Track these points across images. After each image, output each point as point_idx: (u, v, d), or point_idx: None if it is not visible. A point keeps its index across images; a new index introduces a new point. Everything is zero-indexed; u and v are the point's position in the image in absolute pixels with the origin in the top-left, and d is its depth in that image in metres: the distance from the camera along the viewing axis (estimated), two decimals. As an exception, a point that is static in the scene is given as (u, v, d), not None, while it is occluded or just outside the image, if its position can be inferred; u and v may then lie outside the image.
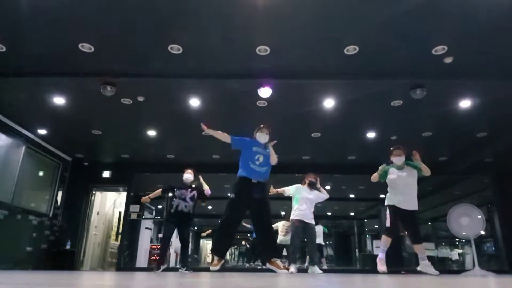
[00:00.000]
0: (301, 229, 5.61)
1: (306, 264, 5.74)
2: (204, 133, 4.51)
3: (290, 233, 7.78)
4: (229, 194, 4.22)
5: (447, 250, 12.73)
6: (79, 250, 8.43)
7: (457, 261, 12.00)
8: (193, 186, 5.83)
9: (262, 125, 4.44)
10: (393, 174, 4.76)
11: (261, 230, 4.17)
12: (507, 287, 1.91)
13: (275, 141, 4.36)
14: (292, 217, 5.75)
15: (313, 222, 5.67)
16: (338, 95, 5.56)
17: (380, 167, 4.80)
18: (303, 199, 5.69)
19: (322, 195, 5.83)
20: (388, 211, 4.76)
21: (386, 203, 4.82)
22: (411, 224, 4.69)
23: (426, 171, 4.62)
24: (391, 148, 4.81)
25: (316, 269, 5.46)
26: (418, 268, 4.65)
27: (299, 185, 5.85)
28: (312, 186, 5.79)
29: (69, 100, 5.74)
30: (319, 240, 8.99)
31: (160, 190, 5.84)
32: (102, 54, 4.64)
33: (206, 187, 5.82)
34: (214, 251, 4.21)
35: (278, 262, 4.11)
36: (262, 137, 4.37)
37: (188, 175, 5.76)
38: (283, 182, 6.05)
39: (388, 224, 4.72)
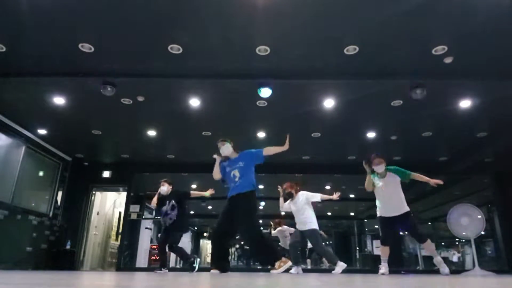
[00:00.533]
0: (298, 236, 5.80)
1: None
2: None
3: (287, 238, 7.93)
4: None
5: (448, 251, 12.74)
6: (79, 250, 8.44)
7: (457, 263, 12.01)
8: (170, 195, 5.82)
9: (219, 140, 4.37)
10: (376, 184, 4.82)
11: (249, 246, 4.10)
12: (507, 287, 1.91)
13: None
14: None
15: (307, 227, 5.66)
16: (338, 95, 5.56)
17: (368, 177, 4.84)
18: (293, 212, 5.85)
19: (311, 198, 5.77)
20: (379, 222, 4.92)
21: (377, 214, 4.93)
22: (407, 226, 4.73)
23: (419, 178, 4.69)
24: (372, 156, 4.82)
25: (336, 268, 5.45)
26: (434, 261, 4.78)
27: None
28: (289, 196, 5.83)
29: (69, 100, 5.74)
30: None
31: (157, 197, 5.85)
32: (102, 54, 4.64)
33: (202, 194, 5.88)
34: (212, 264, 4.22)
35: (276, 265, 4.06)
36: (222, 149, 4.31)
37: (162, 188, 5.78)
38: (284, 182, 6.07)
39: (381, 234, 4.91)
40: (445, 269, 4.62)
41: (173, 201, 5.74)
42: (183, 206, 5.81)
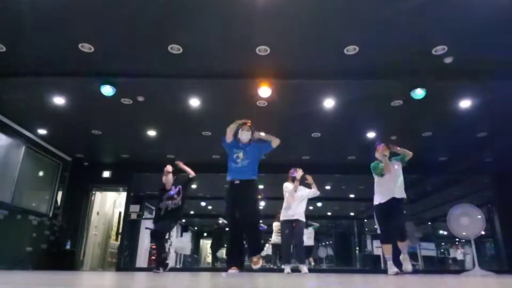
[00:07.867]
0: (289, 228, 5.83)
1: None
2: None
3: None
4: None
5: (449, 250, 12.75)
6: (79, 250, 8.43)
7: (459, 261, 12.02)
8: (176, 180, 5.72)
9: (244, 123, 4.38)
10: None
11: (246, 230, 4.09)
12: (507, 287, 1.91)
13: (261, 134, 4.35)
14: None
15: (299, 217, 5.80)
16: (338, 95, 5.56)
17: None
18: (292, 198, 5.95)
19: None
20: None
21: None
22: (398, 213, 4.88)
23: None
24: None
25: (304, 268, 5.51)
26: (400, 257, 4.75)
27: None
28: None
29: (69, 100, 5.73)
30: (310, 241, 9.00)
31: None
32: (102, 54, 4.64)
33: (190, 172, 5.77)
34: (228, 262, 4.18)
35: (256, 259, 4.01)
36: (243, 135, 4.34)
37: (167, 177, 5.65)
38: (283, 182, 6.07)
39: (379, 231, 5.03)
40: (408, 265, 4.65)
41: (180, 186, 5.61)
42: (185, 193, 5.68)
